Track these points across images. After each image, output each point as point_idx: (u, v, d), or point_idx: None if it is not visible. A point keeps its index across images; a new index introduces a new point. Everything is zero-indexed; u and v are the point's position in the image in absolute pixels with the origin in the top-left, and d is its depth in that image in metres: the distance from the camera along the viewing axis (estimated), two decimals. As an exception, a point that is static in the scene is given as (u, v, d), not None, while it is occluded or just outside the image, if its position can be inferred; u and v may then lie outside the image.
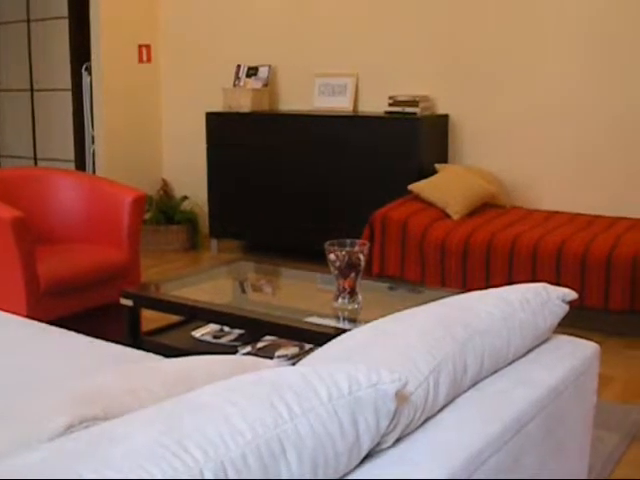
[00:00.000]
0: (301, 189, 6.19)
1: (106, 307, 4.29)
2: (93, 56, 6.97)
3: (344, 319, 3.35)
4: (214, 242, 6.81)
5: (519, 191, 5.82)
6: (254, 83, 6.66)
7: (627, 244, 4.57)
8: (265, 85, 6.67)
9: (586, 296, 4.56)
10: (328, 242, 3.36)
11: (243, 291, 4.05)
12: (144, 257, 5.80)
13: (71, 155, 7.60)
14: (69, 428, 1.30)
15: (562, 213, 5.44)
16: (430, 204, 5.35)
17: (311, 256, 5.61)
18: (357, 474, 1.25)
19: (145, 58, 7.28)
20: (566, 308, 1.94)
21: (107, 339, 2.75)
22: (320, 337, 3.00)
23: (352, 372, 1.26)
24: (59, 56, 7.50)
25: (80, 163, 7.52)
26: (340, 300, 3.37)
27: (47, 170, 4.93)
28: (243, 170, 6.46)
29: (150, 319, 4.02)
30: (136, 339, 3.62)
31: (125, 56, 7.10)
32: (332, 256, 3.32)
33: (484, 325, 1.68)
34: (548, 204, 5.72)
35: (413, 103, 5.83)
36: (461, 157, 6.03)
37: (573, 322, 4.57)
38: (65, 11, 7.39)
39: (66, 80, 7.49)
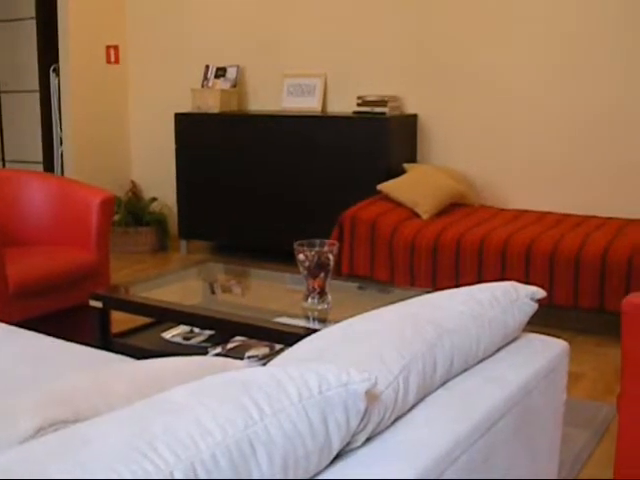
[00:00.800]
0: (270, 190, 6.18)
1: (76, 309, 4.26)
2: (61, 57, 6.92)
3: (314, 319, 3.35)
4: (183, 243, 6.80)
5: (488, 190, 5.86)
6: (223, 84, 6.66)
7: (596, 243, 4.60)
8: (234, 86, 6.66)
9: (555, 294, 4.59)
10: (297, 242, 3.36)
11: (213, 292, 4.04)
12: (113, 259, 5.78)
13: (39, 157, 7.55)
14: (39, 431, 1.29)
15: (531, 212, 5.48)
16: (399, 204, 5.36)
17: (282, 257, 5.61)
18: (328, 474, 1.25)
19: (113, 59, 7.25)
20: (535, 306, 1.95)
21: (77, 341, 2.74)
22: (290, 337, 3.00)
23: (322, 372, 1.26)
24: (27, 57, 7.45)
25: (48, 165, 7.48)
26: (310, 300, 3.38)
27: (15, 172, 4.89)
28: (212, 171, 6.45)
29: (120, 321, 4.00)
30: (106, 341, 3.60)
31: (93, 57, 7.06)
32: (301, 256, 3.32)
33: (453, 324, 1.68)
34: (517, 203, 5.76)
35: (382, 103, 5.85)
36: (430, 157, 6.05)
37: (543, 320, 4.62)
38: (32, 12, 7.35)
39: (34, 81, 7.45)
